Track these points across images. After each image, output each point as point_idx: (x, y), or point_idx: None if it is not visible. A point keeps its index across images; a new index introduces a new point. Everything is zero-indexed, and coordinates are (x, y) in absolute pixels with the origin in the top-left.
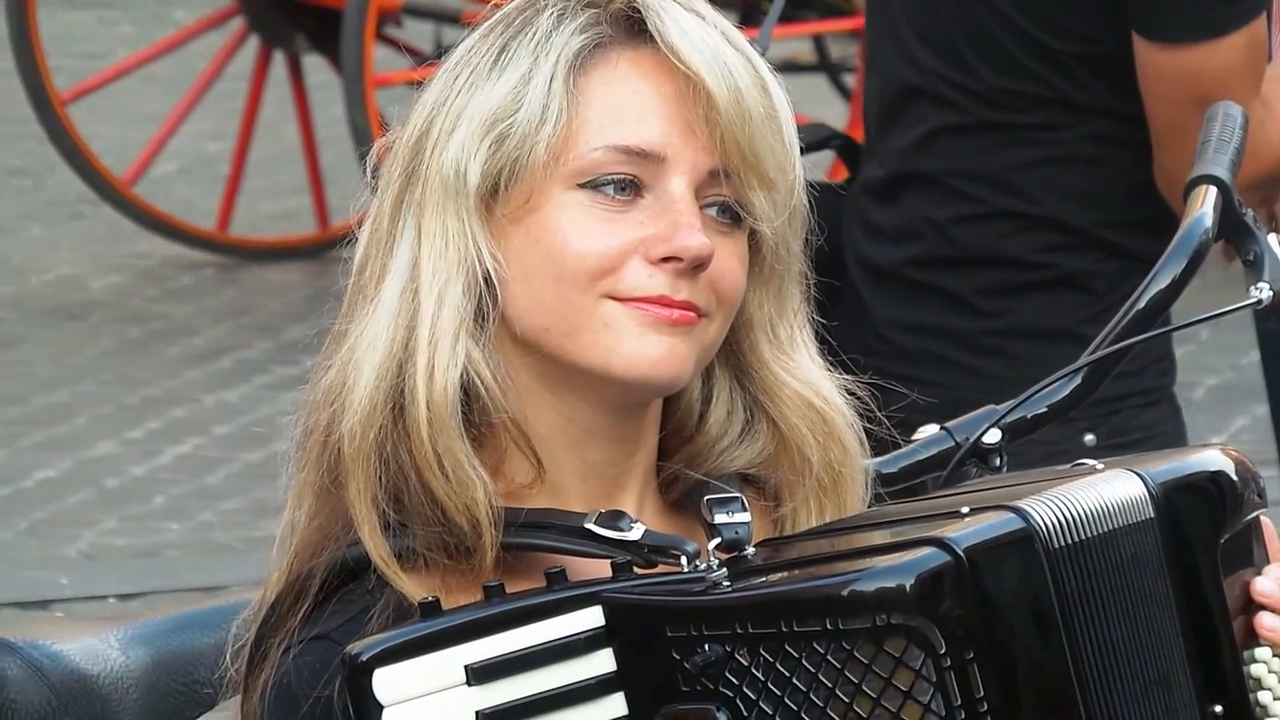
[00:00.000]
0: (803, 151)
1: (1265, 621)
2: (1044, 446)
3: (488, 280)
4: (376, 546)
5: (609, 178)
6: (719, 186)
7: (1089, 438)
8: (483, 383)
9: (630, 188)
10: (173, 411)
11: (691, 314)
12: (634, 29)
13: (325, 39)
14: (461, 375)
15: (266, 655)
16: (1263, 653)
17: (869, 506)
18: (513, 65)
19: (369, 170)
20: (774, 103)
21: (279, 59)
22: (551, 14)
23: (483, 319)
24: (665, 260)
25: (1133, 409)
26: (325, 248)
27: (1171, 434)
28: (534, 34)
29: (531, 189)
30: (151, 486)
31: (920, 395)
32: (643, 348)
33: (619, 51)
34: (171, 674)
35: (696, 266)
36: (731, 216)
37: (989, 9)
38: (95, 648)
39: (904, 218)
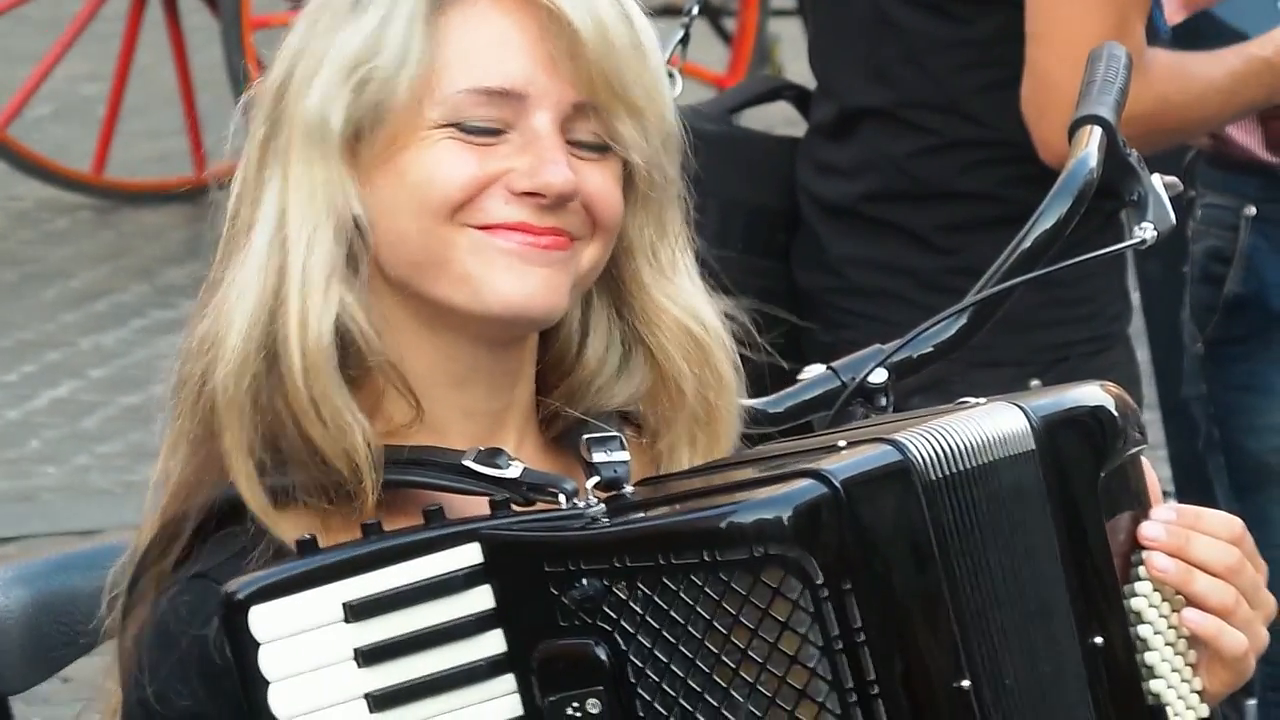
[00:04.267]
0: (754, 103)
1: (1156, 563)
2: (993, 391)
3: (358, 225)
4: (253, 497)
5: (472, 123)
6: (586, 119)
7: (1035, 383)
8: (357, 327)
9: (495, 132)
10: (48, 355)
11: (563, 239)
12: None
13: None
14: (335, 320)
15: (142, 597)
16: (1143, 587)
17: (754, 445)
18: (372, 7)
19: (243, 114)
20: (638, 32)
21: (155, 1)
22: None
23: (355, 264)
24: (528, 195)
25: (1082, 355)
26: (202, 191)
27: (1123, 380)
28: None
29: (396, 131)
30: (27, 430)
31: (877, 332)
32: (515, 282)
33: None
34: (50, 615)
35: (561, 199)
36: (601, 146)
37: None
38: None
39: (858, 153)
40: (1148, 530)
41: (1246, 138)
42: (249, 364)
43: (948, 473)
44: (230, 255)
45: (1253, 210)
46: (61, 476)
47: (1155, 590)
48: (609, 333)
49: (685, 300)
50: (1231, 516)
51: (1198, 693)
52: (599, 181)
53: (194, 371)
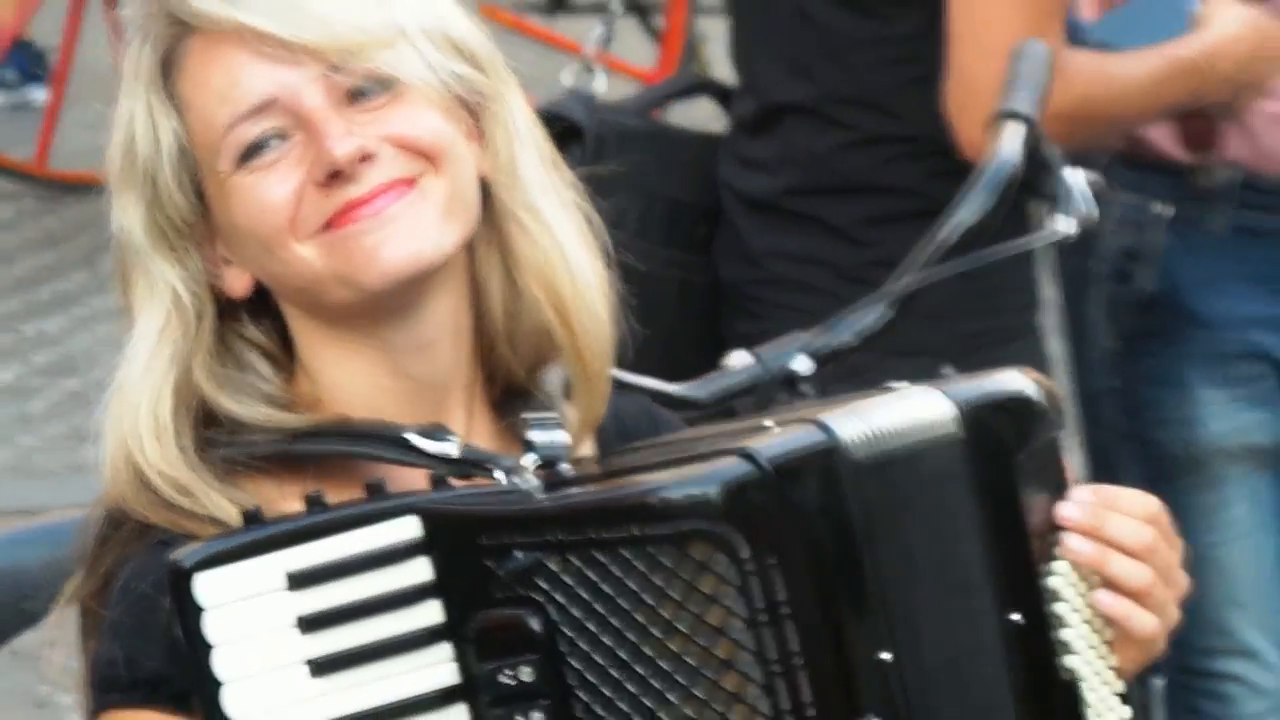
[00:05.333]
0: (676, 98)
1: (1072, 544)
2: (908, 379)
3: (218, 296)
4: (204, 496)
5: (250, 147)
6: (350, 75)
7: (948, 370)
8: (244, 383)
9: (279, 138)
10: None
11: (399, 186)
12: (182, 26)
13: None
14: (196, 392)
15: (106, 569)
16: (1060, 566)
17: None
18: (122, 105)
19: None
20: None
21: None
22: (132, 47)
23: (220, 324)
24: (332, 178)
25: (992, 345)
26: None
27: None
28: (126, 73)
29: (210, 197)
30: None
31: (797, 323)
32: (382, 252)
33: (188, 44)
34: (13, 582)
35: (364, 159)
36: (383, 86)
37: None
38: None
39: (779, 149)
40: (1065, 511)
41: (1162, 137)
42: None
43: (873, 454)
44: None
45: (1166, 210)
46: (7, 458)
47: (1072, 569)
48: (503, 285)
49: (556, 221)
50: (1149, 496)
51: (1113, 669)
52: (399, 118)
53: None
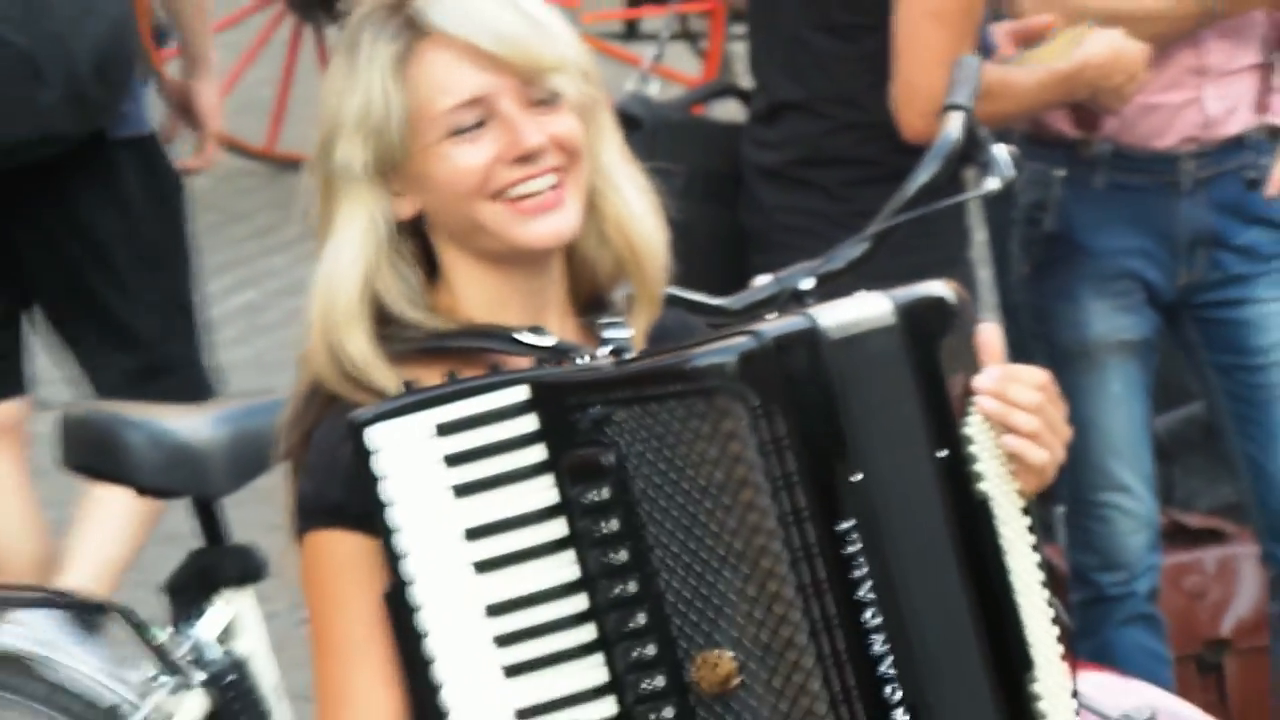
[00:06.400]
0: (710, 99)
1: (983, 403)
2: None
3: (403, 222)
4: (378, 373)
5: (461, 128)
6: (532, 86)
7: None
8: (399, 285)
9: (479, 124)
10: (238, 271)
11: (560, 191)
12: (418, 27)
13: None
14: (374, 291)
15: (304, 431)
16: (974, 419)
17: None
18: (359, 84)
19: None
20: (530, 16)
21: (308, 29)
22: (365, 40)
23: (405, 243)
24: (518, 159)
25: (937, 271)
26: None
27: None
28: (363, 55)
29: (413, 155)
30: (223, 322)
31: (797, 257)
32: (535, 230)
33: (419, 42)
34: (244, 443)
35: (540, 150)
36: (549, 99)
37: None
38: (194, 424)
39: (783, 133)
40: (979, 380)
41: (1060, 120)
42: (354, 306)
43: (842, 335)
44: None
45: (1062, 172)
46: (249, 354)
47: (983, 421)
48: (592, 229)
49: (620, 185)
50: (1040, 370)
51: (1016, 490)
52: (561, 124)
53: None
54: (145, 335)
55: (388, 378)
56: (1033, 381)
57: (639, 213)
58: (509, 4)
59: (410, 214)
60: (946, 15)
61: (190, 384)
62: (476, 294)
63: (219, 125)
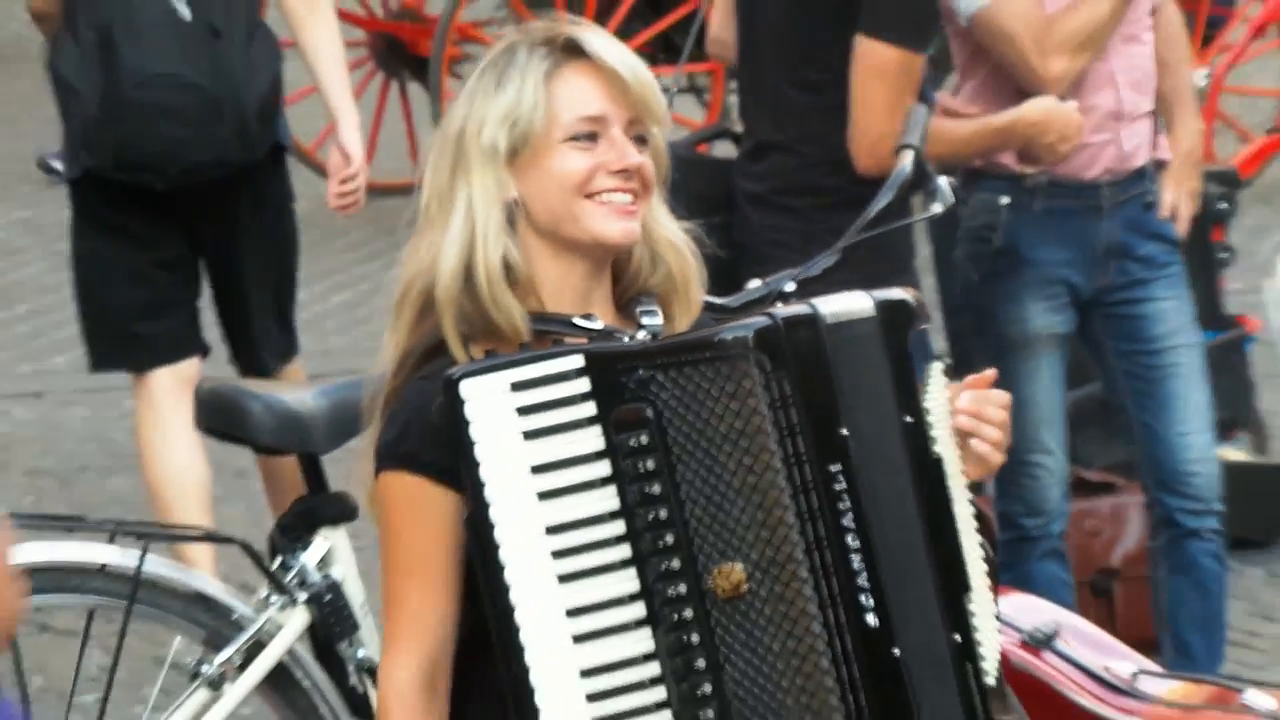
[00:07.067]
0: (709, 140)
1: (960, 421)
2: None
3: (515, 203)
4: (456, 343)
5: (580, 135)
6: (636, 126)
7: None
8: (512, 256)
9: (593, 138)
10: (335, 276)
11: (635, 207)
12: (572, 51)
13: (422, 74)
14: (502, 254)
15: (393, 394)
16: (933, 399)
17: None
18: (511, 85)
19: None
20: (651, 79)
21: (394, 83)
22: (521, 55)
23: (513, 223)
24: (618, 171)
25: (889, 280)
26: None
27: None
28: (517, 65)
29: (537, 148)
30: (324, 317)
31: (779, 267)
32: (616, 228)
33: (566, 65)
34: (340, 411)
35: (635, 171)
36: (642, 139)
37: (800, 30)
38: (301, 395)
39: (766, 167)
40: (961, 400)
41: (1008, 158)
42: (457, 279)
43: (835, 320)
44: (426, 227)
45: (1007, 200)
46: (348, 342)
47: (941, 404)
48: (645, 250)
49: (666, 219)
50: (1004, 393)
51: (960, 465)
52: (644, 157)
53: (414, 283)
54: (277, 311)
55: (513, 304)
56: (1000, 401)
57: (682, 242)
58: (637, 61)
59: (516, 196)
60: (888, 74)
61: (286, 349)
62: (546, 280)
63: (358, 159)
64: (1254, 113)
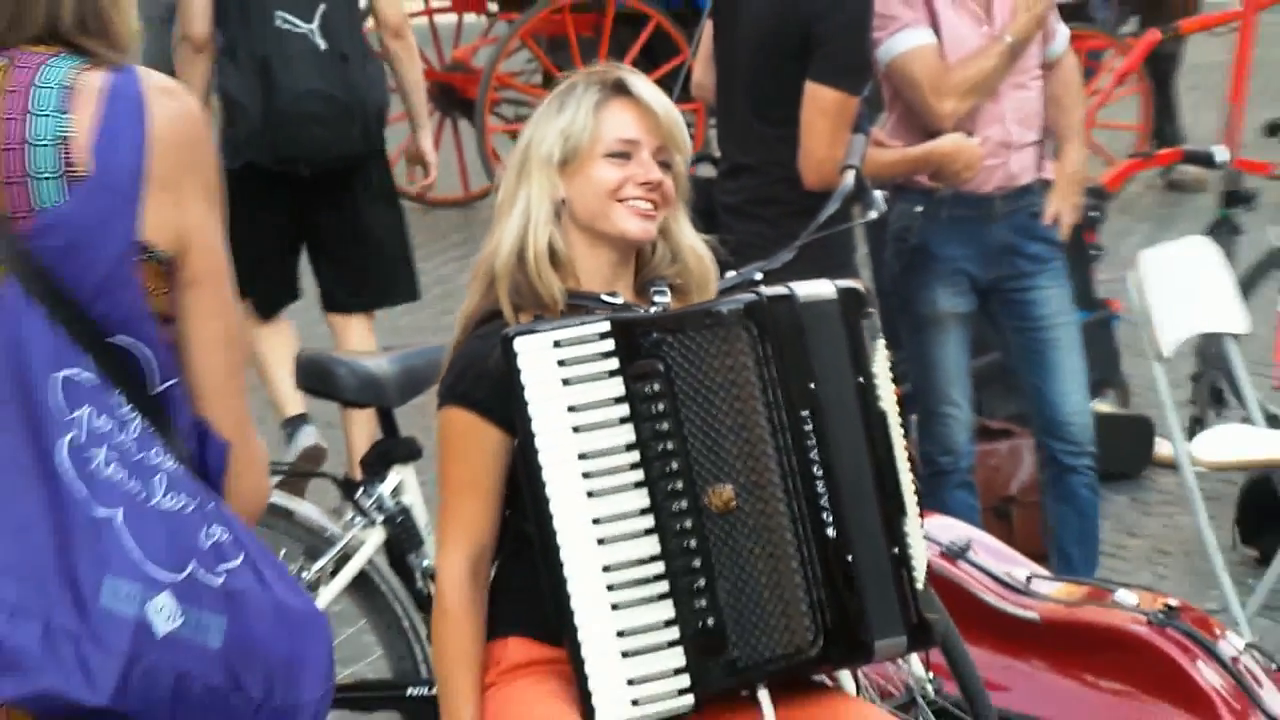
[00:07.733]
0: (694, 164)
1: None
2: None
3: (563, 201)
4: (509, 310)
5: (616, 153)
6: (663, 153)
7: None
8: (557, 242)
9: (626, 156)
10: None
11: (655, 213)
12: (619, 89)
13: (469, 114)
14: (548, 241)
15: (456, 350)
16: (879, 368)
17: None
18: (568, 109)
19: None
20: (679, 118)
21: (448, 122)
22: (579, 89)
23: (559, 216)
24: (644, 184)
25: (835, 273)
26: (469, 202)
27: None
28: (575, 96)
29: (583, 160)
30: (399, 310)
31: (751, 260)
32: (639, 227)
33: (613, 99)
34: (410, 374)
35: (657, 186)
36: (666, 165)
37: (764, 77)
38: (378, 361)
39: (739, 185)
40: None
41: (924, 178)
42: (512, 257)
43: (806, 300)
44: (498, 220)
45: (920, 208)
46: (419, 321)
47: (886, 371)
48: (665, 249)
49: (690, 231)
50: None
51: (898, 418)
52: (666, 180)
53: (483, 263)
54: (403, 252)
55: (554, 280)
56: None
57: (703, 249)
58: (670, 102)
59: (563, 195)
60: (829, 112)
61: (409, 290)
62: (582, 260)
63: (434, 160)
64: (1117, 141)
